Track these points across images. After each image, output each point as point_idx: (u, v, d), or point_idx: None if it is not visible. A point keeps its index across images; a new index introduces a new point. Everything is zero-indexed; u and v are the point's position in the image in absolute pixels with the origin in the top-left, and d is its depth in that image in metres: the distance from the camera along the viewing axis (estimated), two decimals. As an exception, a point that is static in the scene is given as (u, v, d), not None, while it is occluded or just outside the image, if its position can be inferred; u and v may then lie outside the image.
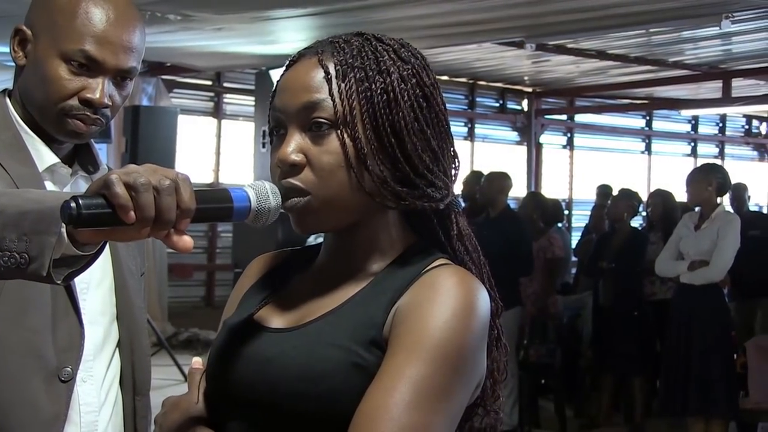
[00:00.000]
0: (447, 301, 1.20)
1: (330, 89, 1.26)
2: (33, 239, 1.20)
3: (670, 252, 5.97)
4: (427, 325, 1.19)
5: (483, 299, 1.24)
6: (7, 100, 1.80)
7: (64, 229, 1.18)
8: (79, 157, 1.83)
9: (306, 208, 1.26)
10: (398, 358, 1.18)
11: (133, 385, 1.83)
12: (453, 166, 1.33)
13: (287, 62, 1.33)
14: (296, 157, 1.26)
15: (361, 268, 1.30)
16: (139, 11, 1.80)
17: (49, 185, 1.76)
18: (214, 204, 1.18)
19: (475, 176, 7.90)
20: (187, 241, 1.14)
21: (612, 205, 7.12)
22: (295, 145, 1.26)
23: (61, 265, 1.23)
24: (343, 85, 1.26)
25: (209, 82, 10.97)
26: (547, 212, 7.60)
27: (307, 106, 1.26)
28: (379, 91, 1.26)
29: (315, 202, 1.25)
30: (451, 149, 1.32)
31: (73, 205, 1.08)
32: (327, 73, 1.26)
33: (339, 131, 1.25)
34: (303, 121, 1.27)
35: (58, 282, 1.23)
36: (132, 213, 1.09)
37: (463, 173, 8.01)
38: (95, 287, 1.79)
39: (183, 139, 8.78)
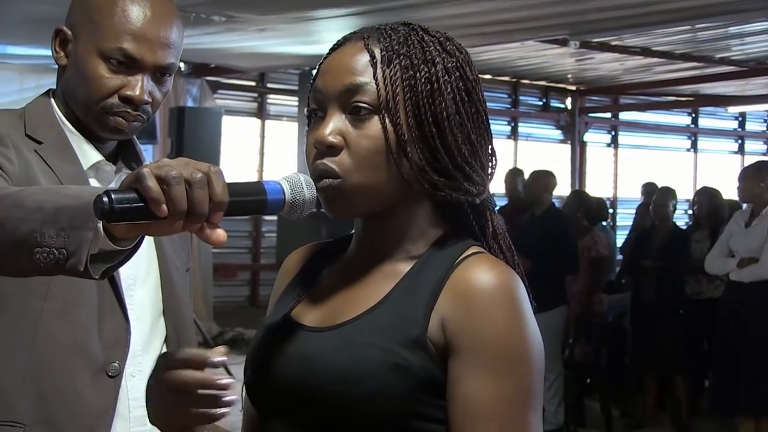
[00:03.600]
0: (496, 307, 1.20)
1: (374, 73, 1.25)
2: (71, 235, 1.21)
3: (720, 249, 5.92)
4: (491, 339, 1.19)
5: (521, 288, 1.23)
6: (52, 100, 1.83)
7: (100, 224, 1.18)
8: (122, 155, 1.85)
9: (337, 191, 1.24)
10: (477, 383, 1.18)
11: (181, 380, 1.84)
12: (490, 163, 1.32)
13: (332, 45, 1.31)
14: (334, 139, 1.24)
15: (393, 260, 1.29)
16: (176, 7, 1.81)
17: (94, 183, 1.78)
18: (248, 197, 1.17)
19: (512, 173, 7.89)
20: (220, 234, 1.13)
21: (661, 203, 7.00)
22: (333, 126, 1.25)
23: (99, 260, 1.23)
24: (387, 70, 1.25)
25: (253, 83, 11.03)
26: (591, 211, 7.54)
27: (350, 89, 1.25)
28: (423, 80, 1.25)
29: (346, 186, 1.24)
30: (490, 146, 1.31)
31: (105, 199, 1.08)
32: (372, 57, 1.25)
33: (381, 116, 1.24)
34: (344, 103, 1.25)
35: (96, 277, 1.24)
36: (164, 206, 1.08)
37: (504, 172, 8.03)
38: (141, 283, 1.81)
39: (227, 140, 8.83)
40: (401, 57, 1.25)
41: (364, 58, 1.26)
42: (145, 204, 1.08)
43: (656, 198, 7.12)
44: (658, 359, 6.64)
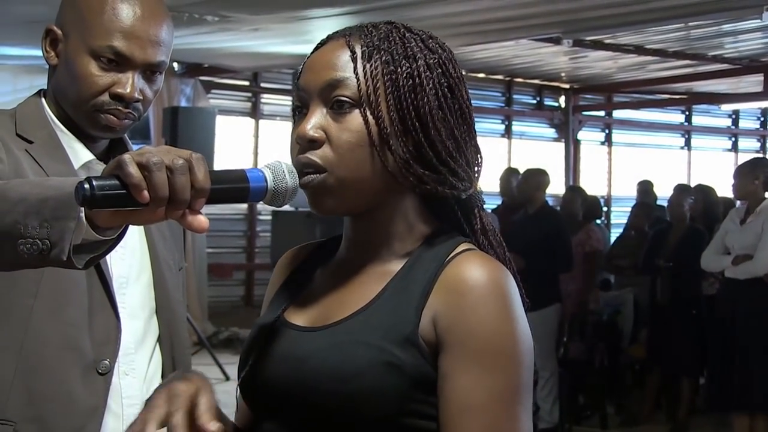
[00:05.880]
0: (486, 302, 1.20)
1: (355, 68, 1.25)
2: (54, 225, 1.21)
3: (715, 247, 5.92)
4: (480, 333, 1.19)
5: (512, 284, 1.24)
6: (43, 100, 1.83)
7: (83, 214, 1.18)
8: (113, 154, 1.84)
9: (321, 186, 1.25)
10: (466, 377, 1.18)
11: (174, 379, 1.84)
12: (476, 160, 1.32)
13: (316, 45, 1.32)
14: (315, 134, 1.25)
15: (383, 259, 1.29)
16: (165, 6, 1.82)
17: (85, 182, 1.77)
18: (230, 184, 1.17)
19: (509, 173, 7.88)
20: (202, 221, 1.13)
21: (676, 203, 6.95)
22: (315, 121, 1.25)
23: (84, 251, 1.23)
24: (368, 65, 1.25)
25: (246, 83, 11.01)
26: (586, 205, 7.55)
27: (331, 84, 1.25)
28: (404, 75, 1.25)
29: (331, 180, 1.24)
30: (474, 143, 1.31)
31: (87, 186, 1.07)
32: (353, 53, 1.26)
33: (362, 109, 1.24)
34: (325, 98, 1.26)
35: (80, 267, 1.24)
36: (146, 192, 1.08)
37: (500, 171, 8.04)
38: (134, 282, 1.81)
39: (221, 140, 8.82)
40: (382, 52, 1.26)
41: (345, 55, 1.26)
42: (127, 190, 1.08)
43: (672, 197, 7.02)
44: (670, 359, 6.62)
